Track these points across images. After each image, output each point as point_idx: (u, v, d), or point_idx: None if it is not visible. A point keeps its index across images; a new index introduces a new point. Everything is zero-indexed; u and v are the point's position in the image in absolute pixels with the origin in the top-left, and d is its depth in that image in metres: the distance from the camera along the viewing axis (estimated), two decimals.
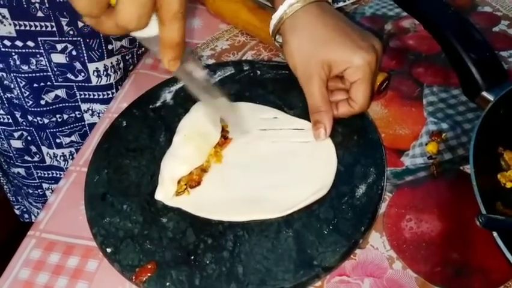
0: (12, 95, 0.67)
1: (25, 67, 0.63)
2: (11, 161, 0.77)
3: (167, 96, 0.60)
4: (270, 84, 0.60)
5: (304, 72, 0.53)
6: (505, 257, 0.40)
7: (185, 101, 0.59)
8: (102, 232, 0.48)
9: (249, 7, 0.68)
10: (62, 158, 0.74)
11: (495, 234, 0.40)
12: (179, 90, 0.61)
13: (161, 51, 0.40)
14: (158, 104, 0.59)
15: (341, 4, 0.73)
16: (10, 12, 0.57)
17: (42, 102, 0.67)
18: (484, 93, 0.51)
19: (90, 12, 0.36)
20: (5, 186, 0.87)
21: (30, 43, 0.61)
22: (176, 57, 0.41)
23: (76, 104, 0.69)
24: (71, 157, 0.74)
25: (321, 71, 0.52)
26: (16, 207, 0.88)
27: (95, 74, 0.67)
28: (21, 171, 0.77)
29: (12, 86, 0.65)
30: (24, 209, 0.87)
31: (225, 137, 0.54)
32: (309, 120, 0.54)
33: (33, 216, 0.87)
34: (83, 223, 0.50)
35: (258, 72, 0.62)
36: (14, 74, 0.64)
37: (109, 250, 0.47)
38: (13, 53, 0.62)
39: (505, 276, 0.45)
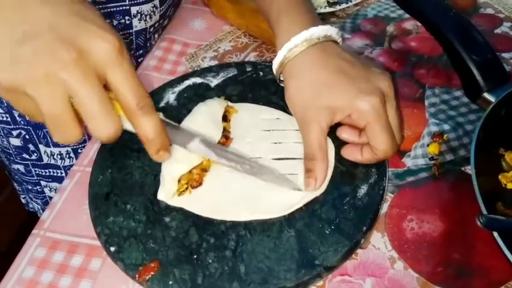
0: None
1: None
2: (11, 158, 0.78)
3: (171, 97, 0.61)
4: (273, 85, 0.60)
5: (303, 118, 0.50)
6: (506, 257, 0.40)
7: (188, 102, 0.59)
8: (106, 231, 0.49)
9: (253, 8, 0.69)
10: (59, 156, 0.75)
11: (496, 234, 0.40)
12: (183, 91, 0.61)
13: (145, 146, 0.42)
14: (161, 104, 0.60)
15: (343, 6, 0.74)
16: None
17: None
18: (486, 95, 0.51)
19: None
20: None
21: None
22: (161, 149, 0.42)
23: None
24: (67, 156, 0.75)
25: (320, 118, 0.49)
26: (22, 196, 0.89)
27: None
28: (21, 168, 0.78)
29: None
30: (30, 199, 0.88)
31: (226, 137, 0.54)
32: None
33: (36, 209, 0.88)
34: (87, 222, 0.50)
35: (261, 73, 0.62)
36: None
37: (112, 249, 0.47)
38: None
39: (505, 276, 0.45)
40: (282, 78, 0.54)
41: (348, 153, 0.51)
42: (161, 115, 0.44)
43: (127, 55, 0.39)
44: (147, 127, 0.40)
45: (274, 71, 0.54)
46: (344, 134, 0.51)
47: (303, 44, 0.50)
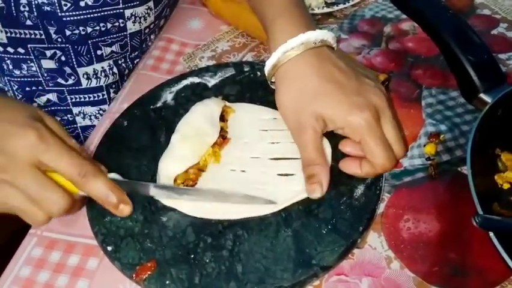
0: None
1: (17, 72, 0.64)
2: None
3: (168, 96, 0.61)
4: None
5: (296, 123, 0.49)
6: (501, 257, 0.40)
7: (186, 102, 0.59)
8: (103, 231, 0.49)
9: (250, 8, 0.69)
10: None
11: (491, 234, 0.40)
12: (180, 91, 0.61)
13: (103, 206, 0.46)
14: (159, 104, 0.60)
15: (341, 6, 0.74)
16: (1, 20, 0.58)
17: (35, 105, 0.68)
18: (482, 95, 0.51)
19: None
20: None
21: (20, 50, 0.62)
22: (118, 204, 0.46)
23: (68, 107, 0.70)
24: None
25: (314, 123, 0.48)
26: None
27: (85, 76, 0.67)
28: None
29: (6, 88, 0.67)
30: None
31: (223, 137, 0.54)
32: None
33: None
34: (84, 222, 0.50)
35: (259, 73, 0.62)
36: (8, 78, 0.65)
37: (109, 248, 0.47)
38: (6, 58, 0.63)
39: (501, 276, 0.45)
40: (273, 80, 0.53)
41: (347, 167, 0.50)
42: (113, 175, 0.47)
43: (48, 135, 0.43)
44: (95, 190, 0.44)
45: (266, 73, 0.53)
46: (347, 147, 0.50)
47: (300, 47, 0.49)
